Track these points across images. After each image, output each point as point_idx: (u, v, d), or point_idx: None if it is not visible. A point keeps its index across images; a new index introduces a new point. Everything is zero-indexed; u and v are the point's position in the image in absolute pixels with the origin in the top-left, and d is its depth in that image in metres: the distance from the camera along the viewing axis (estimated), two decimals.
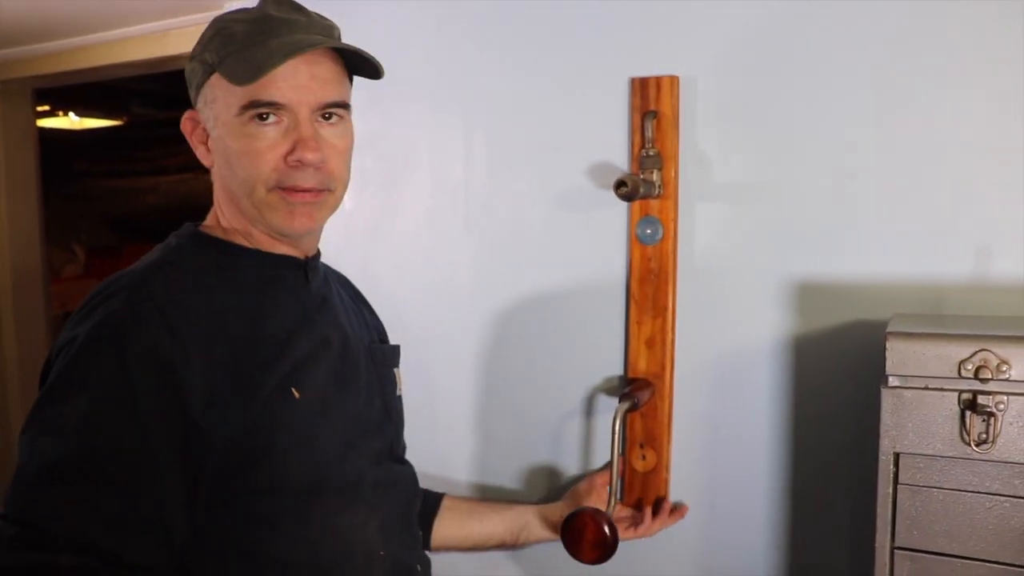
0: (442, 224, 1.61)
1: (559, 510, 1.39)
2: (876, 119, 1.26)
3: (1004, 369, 0.92)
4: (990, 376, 0.92)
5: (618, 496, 1.42)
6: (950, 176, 1.22)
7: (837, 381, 1.31)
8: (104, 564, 0.90)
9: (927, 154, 1.23)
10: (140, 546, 0.93)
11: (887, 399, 0.98)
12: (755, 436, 1.37)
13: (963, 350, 0.94)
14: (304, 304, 1.11)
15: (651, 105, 1.38)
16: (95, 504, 0.91)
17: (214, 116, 1.05)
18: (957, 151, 1.22)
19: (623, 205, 1.41)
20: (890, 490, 0.99)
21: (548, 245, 1.51)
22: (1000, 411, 0.92)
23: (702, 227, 1.39)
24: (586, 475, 1.48)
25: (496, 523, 1.42)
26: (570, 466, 1.52)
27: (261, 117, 1.02)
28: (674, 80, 1.37)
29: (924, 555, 0.99)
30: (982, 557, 0.96)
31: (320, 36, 1.06)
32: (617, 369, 1.47)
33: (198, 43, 1.07)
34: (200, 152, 1.10)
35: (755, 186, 1.35)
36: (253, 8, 1.06)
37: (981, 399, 0.93)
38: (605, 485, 1.39)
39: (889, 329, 0.98)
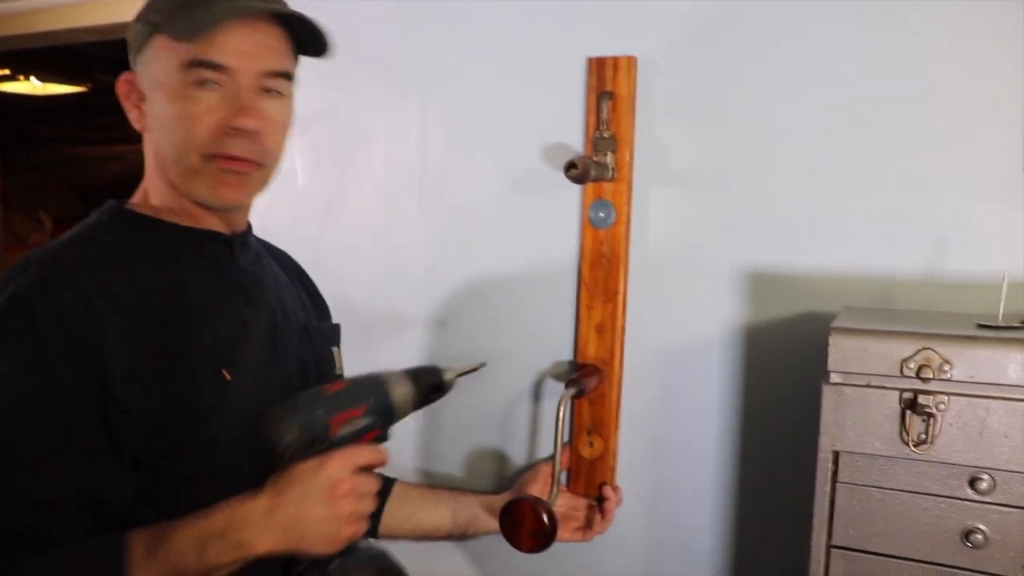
0: (395, 203, 1.57)
1: (506, 500, 1.37)
2: (836, 110, 1.23)
3: (946, 369, 0.90)
4: (932, 376, 0.90)
5: (562, 484, 1.40)
6: (908, 170, 1.20)
7: (787, 373, 1.29)
8: (16, 543, 0.87)
9: (886, 148, 1.21)
10: (51, 521, 0.90)
11: (828, 396, 0.95)
12: (703, 426, 1.35)
13: (906, 348, 0.92)
14: (231, 280, 1.07)
15: (607, 86, 1.35)
16: (6, 481, 0.88)
17: (152, 77, 1.01)
18: (916, 145, 1.19)
19: (577, 188, 1.38)
20: (828, 488, 0.97)
21: (501, 227, 1.48)
22: (940, 411, 0.90)
23: (656, 213, 1.36)
24: (534, 463, 1.46)
25: (444, 515, 1.39)
26: (518, 452, 1.50)
27: (201, 83, 0.99)
28: (632, 61, 1.33)
29: (860, 554, 0.97)
30: (917, 557, 0.95)
31: (270, 5, 1.02)
32: (567, 354, 1.44)
33: (144, 5, 1.04)
34: (133, 116, 1.06)
35: (711, 173, 1.32)
36: None
37: (922, 399, 0.91)
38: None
39: (833, 324, 0.96)
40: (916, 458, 0.93)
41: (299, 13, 1.03)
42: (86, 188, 5.71)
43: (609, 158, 1.33)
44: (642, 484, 1.41)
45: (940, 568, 0.94)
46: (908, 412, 0.92)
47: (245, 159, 1.01)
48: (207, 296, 1.03)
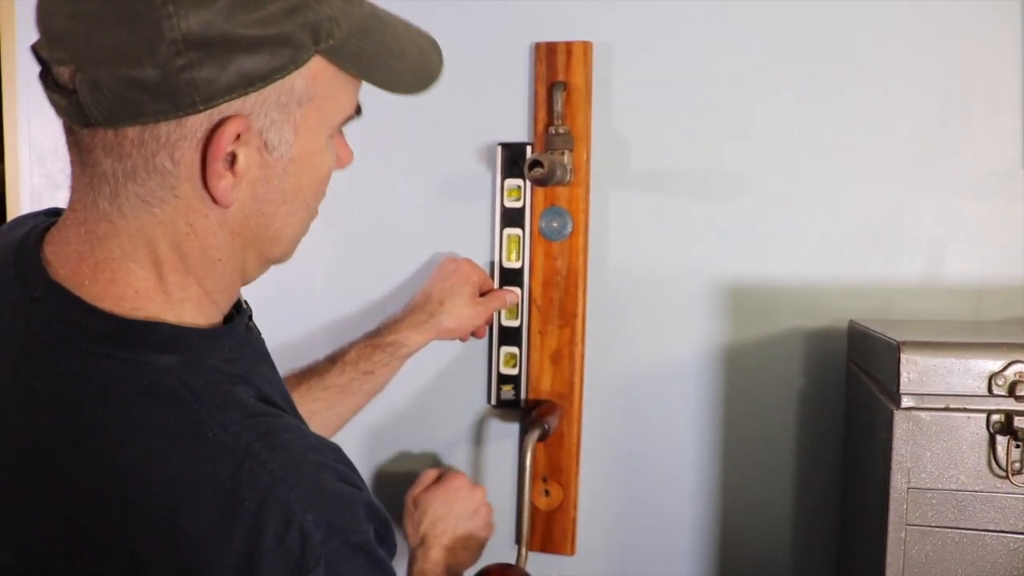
0: None
1: (424, 317, 1.13)
2: (820, 101, 1.10)
3: None
4: None
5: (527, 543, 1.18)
6: (899, 169, 1.09)
7: (773, 397, 1.14)
8: None
9: (875, 145, 1.09)
10: None
11: (900, 424, 0.80)
12: (678, 465, 1.18)
13: (994, 362, 0.78)
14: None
15: (560, 75, 1.16)
16: None
17: (294, 127, 0.64)
18: (907, 142, 1.09)
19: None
20: (903, 535, 0.81)
21: (424, 241, 1.25)
22: None
23: (617, 220, 1.18)
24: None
25: (360, 396, 1.11)
26: None
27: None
28: (587, 46, 1.15)
29: None
30: None
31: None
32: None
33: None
34: (221, 186, 0.61)
35: (680, 174, 1.16)
36: None
37: (1019, 421, 0.77)
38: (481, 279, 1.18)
39: (902, 339, 0.81)
40: (1002, 491, 0.80)
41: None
42: None
43: (566, 157, 1.14)
44: (607, 536, 1.21)
45: None
46: (999, 437, 0.78)
47: None
48: None
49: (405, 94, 0.72)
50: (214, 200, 0.62)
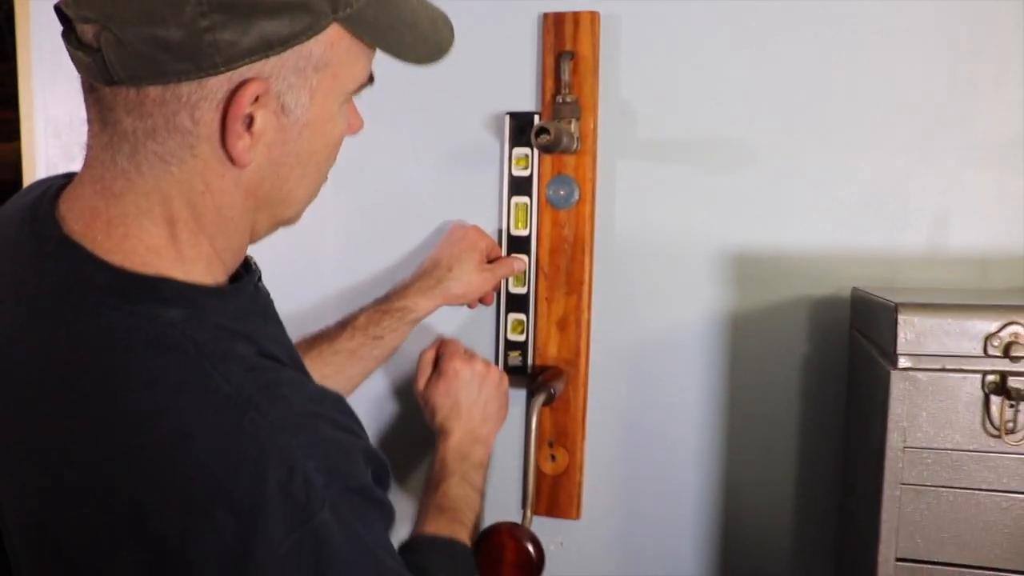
0: None
1: (432, 283, 1.16)
2: (827, 71, 1.11)
3: None
4: (1022, 354, 0.78)
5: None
6: (904, 138, 1.09)
7: (778, 365, 1.15)
8: None
9: (879, 114, 1.10)
10: None
11: (897, 384, 0.81)
12: (682, 430, 1.20)
13: (990, 323, 0.79)
14: None
15: (567, 45, 1.17)
16: None
17: (309, 92, 0.66)
18: (911, 111, 1.09)
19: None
20: (898, 493, 0.83)
21: (433, 209, 1.27)
22: None
23: (624, 189, 1.19)
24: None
25: (369, 361, 1.14)
26: None
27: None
28: (595, 16, 1.16)
29: (929, 566, 0.84)
30: (996, 566, 0.83)
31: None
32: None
33: None
34: (239, 146, 0.64)
35: (686, 143, 1.17)
36: None
37: (1012, 381, 0.78)
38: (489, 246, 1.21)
39: (899, 300, 0.82)
40: (995, 451, 0.81)
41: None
42: None
43: (573, 126, 1.16)
44: (613, 500, 1.23)
45: None
46: (994, 397, 0.80)
47: None
48: None
49: (417, 64, 0.73)
50: (231, 160, 0.64)
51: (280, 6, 0.60)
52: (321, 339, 1.11)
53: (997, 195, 1.08)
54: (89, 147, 0.67)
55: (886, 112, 1.10)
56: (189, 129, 0.62)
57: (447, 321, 1.25)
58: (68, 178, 0.72)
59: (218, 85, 0.61)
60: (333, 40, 0.65)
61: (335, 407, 0.66)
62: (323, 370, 1.08)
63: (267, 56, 0.61)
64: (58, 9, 0.62)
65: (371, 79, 0.72)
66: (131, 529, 0.57)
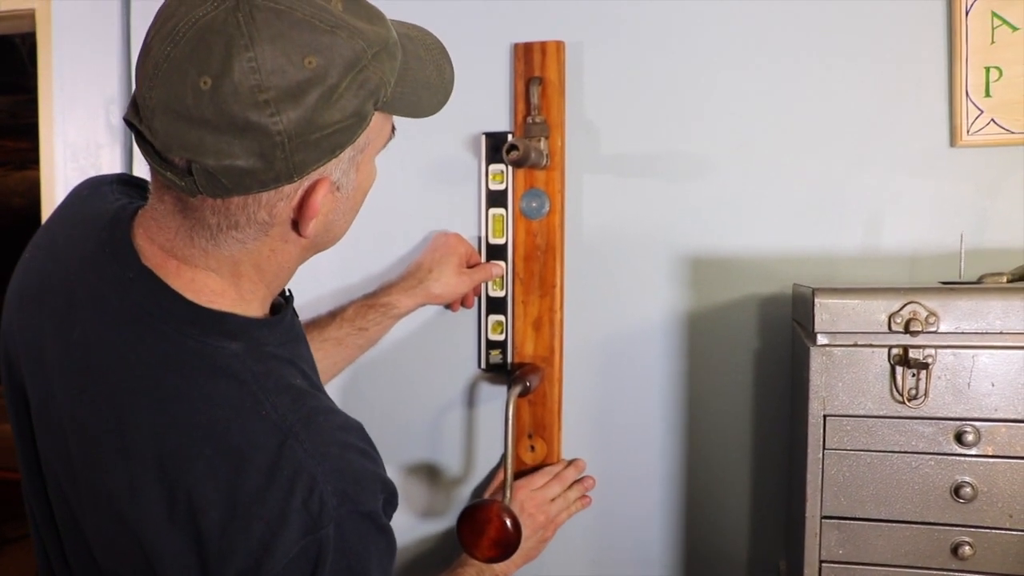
0: None
1: (414, 283, 1.27)
2: (768, 90, 1.24)
3: (932, 321, 0.90)
4: (920, 328, 0.90)
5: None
6: (840, 148, 1.22)
7: (732, 357, 1.27)
8: None
9: (817, 127, 1.22)
10: None
11: (816, 359, 0.93)
12: (648, 419, 1.31)
13: (892, 303, 0.91)
14: None
15: (536, 71, 1.30)
16: None
17: (356, 168, 0.77)
18: (846, 124, 1.21)
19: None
20: (820, 456, 0.94)
21: (418, 220, 1.39)
22: (930, 363, 0.90)
23: (590, 200, 1.32)
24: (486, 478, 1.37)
25: (353, 350, 1.25)
26: (452, 466, 1.40)
27: None
28: (560, 45, 1.30)
29: (852, 522, 0.95)
30: (909, 519, 0.93)
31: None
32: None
33: (349, 70, 0.70)
34: (310, 227, 0.75)
35: (645, 157, 1.29)
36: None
37: (913, 352, 0.90)
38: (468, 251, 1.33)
39: (816, 286, 0.94)
40: (905, 415, 0.92)
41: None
42: None
43: (542, 144, 1.28)
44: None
45: (932, 527, 0.93)
46: (898, 368, 0.91)
47: None
48: None
49: (432, 115, 0.82)
50: (298, 234, 0.76)
51: (343, 123, 0.70)
52: (312, 327, 1.22)
53: (923, 198, 1.20)
54: (160, 212, 0.75)
55: (823, 127, 1.22)
56: (267, 221, 0.73)
57: (434, 324, 1.37)
58: (126, 187, 0.84)
59: (292, 189, 0.71)
60: (373, 125, 0.74)
61: (359, 436, 0.78)
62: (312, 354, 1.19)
63: (329, 161, 0.72)
64: (140, 136, 0.70)
65: (393, 130, 0.82)
66: (186, 517, 0.69)
